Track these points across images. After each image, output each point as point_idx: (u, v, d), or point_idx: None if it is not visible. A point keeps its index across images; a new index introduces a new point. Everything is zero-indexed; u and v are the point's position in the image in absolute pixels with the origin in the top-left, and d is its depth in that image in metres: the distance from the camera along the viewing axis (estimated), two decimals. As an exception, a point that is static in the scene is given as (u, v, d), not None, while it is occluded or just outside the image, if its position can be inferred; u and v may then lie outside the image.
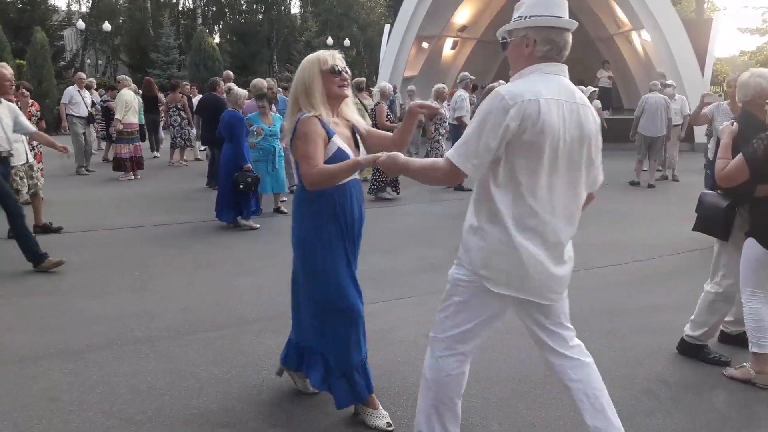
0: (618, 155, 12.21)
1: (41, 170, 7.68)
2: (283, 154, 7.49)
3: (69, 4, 40.76)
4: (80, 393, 3.07)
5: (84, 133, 10.83)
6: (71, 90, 10.71)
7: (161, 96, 12.75)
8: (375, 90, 9.86)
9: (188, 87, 13.17)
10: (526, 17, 2.16)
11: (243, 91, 7.07)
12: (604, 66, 17.82)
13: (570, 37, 2.18)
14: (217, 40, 38.75)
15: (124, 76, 10.87)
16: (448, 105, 10.92)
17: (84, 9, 40.03)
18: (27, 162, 6.35)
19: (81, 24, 30.65)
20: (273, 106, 7.89)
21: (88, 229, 6.81)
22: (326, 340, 2.77)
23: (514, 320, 4.04)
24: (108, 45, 38.85)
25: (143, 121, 11.80)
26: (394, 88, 15.93)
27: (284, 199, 8.04)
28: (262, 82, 7.98)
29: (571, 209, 2.17)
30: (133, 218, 7.41)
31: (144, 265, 5.48)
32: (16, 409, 2.89)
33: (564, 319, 2.32)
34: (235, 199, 6.69)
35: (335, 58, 2.71)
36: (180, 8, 41.74)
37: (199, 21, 39.22)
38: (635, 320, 4.14)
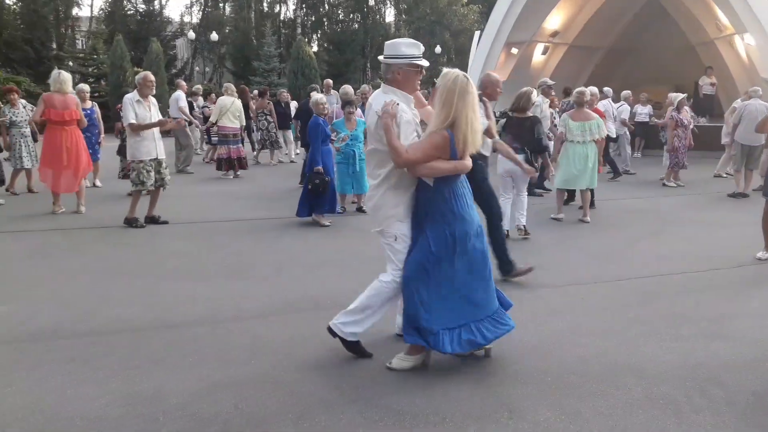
0: (711, 163, 11.75)
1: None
2: (364, 157, 7.86)
3: (182, 16, 43.94)
4: (177, 359, 3.53)
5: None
6: (180, 95, 11.73)
7: (251, 104, 13.64)
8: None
9: (285, 93, 13.98)
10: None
11: (318, 96, 7.54)
12: (706, 72, 16.98)
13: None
14: (315, 48, 40.33)
15: (229, 83, 11.75)
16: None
17: (195, 20, 42.96)
18: (156, 157, 7.05)
19: (191, 34, 32.97)
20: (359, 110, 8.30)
21: (190, 221, 7.49)
22: None
23: (574, 320, 4.20)
24: (215, 54, 41.42)
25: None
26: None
27: (354, 200, 8.51)
28: (349, 90, 8.43)
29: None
30: (232, 212, 8.05)
31: (238, 254, 6.01)
32: (127, 368, 3.39)
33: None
34: (310, 197, 7.15)
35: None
36: (281, 18, 43.80)
37: (299, 30, 40.91)
38: (706, 326, 4.11)
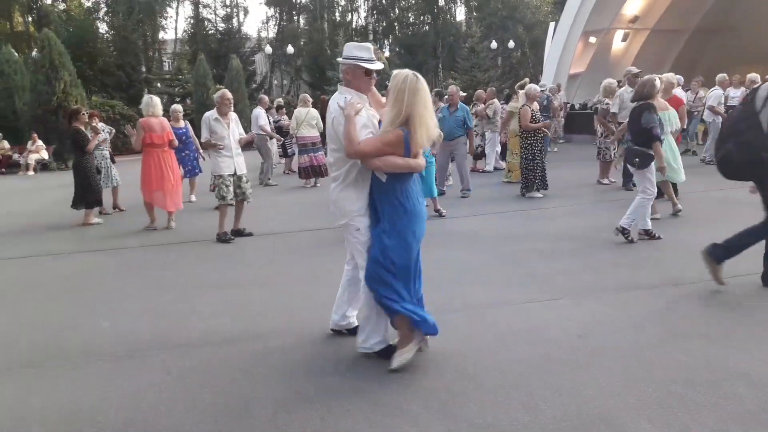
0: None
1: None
2: (432, 160, 7.78)
3: (259, 32, 45.48)
4: (265, 370, 3.58)
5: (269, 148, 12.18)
6: (259, 111, 12.08)
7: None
8: (520, 92, 9.75)
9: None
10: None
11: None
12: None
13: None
14: (387, 53, 40.63)
15: (304, 94, 12.00)
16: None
17: (271, 35, 44.37)
18: (236, 173, 7.25)
19: (268, 49, 34.02)
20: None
21: (273, 232, 7.67)
22: None
23: (674, 322, 3.91)
24: (292, 66, 42.61)
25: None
26: (558, 86, 15.53)
27: (427, 204, 8.35)
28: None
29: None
30: (313, 222, 8.18)
31: (322, 263, 6.06)
32: (217, 381, 3.48)
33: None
34: None
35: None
36: (353, 26, 44.46)
37: (371, 37, 41.34)
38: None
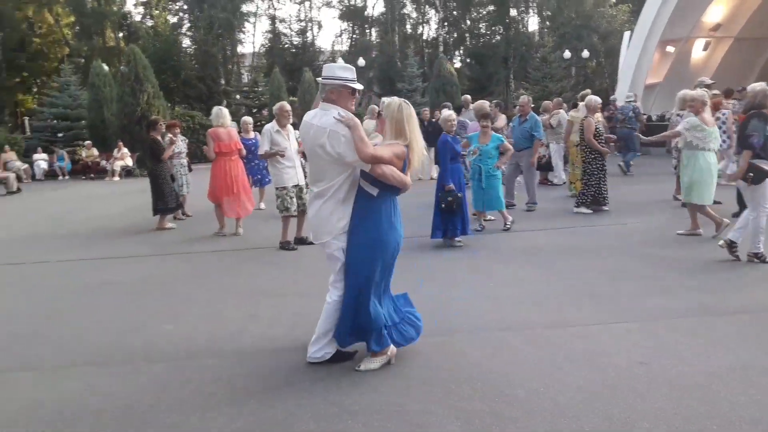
0: None
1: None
2: (496, 173, 7.68)
3: (333, 45, 46.48)
4: (310, 381, 3.61)
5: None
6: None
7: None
8: (581, 104, 9.45)
9: (426, 112, 14.14)
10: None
11: (447, 113, 7.45)
12: None
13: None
14: (458, 65, 40.52)
15: (373, 106, 12.12)
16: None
17: (344, 48, 45.23)
18: (297, 184, 7.44)
19: (340, 62, 34.66)
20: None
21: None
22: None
23: (752, 359, 3.66)
24: (363, 78, 43.25)
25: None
26: (635, 96, 14.97)
27: (491, 218, 8.30)
28: (483, 104, 8.31)
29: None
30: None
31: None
32: (264, 389, 3.54)
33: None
34: (444, 217, 7.04)
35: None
36: (424, 38, 44.65)
37: (441, 48, 41.37)
38: None
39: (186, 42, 40.11)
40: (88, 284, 6.17)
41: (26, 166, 19.28)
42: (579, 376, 3.54)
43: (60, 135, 21.35)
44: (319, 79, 3.71)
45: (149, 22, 42.77)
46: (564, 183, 11.79)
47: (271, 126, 7.37)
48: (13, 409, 3.41)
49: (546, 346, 4.01)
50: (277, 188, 7.42)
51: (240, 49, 43.21)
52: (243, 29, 42.32)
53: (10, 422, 3.26)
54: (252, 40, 68.07)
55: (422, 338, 4.22)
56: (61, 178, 19.71)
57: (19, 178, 18.30)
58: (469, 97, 13.10)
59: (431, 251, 7.04)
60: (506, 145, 7.80)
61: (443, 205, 7.00)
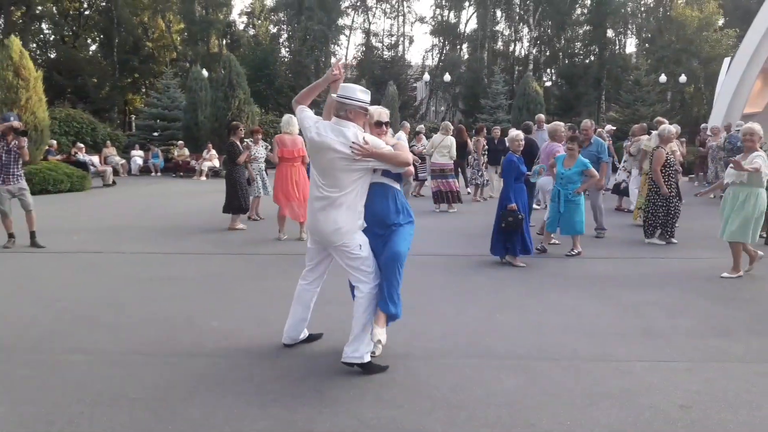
0: None
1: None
2: (575, 198, 7.51)
3: (424, 59, 46.89)
4: (337, 392, 3.66)
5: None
6: (400, 134, 12.44)
7: (469, 142, 13.87)
8: (654, 133, 9.00)
9: (497, 130, 14.03)
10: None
11: (514, 132, 7.37)
12: None
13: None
14: (548, 84, 39.73)
15: (446, 122, 12.16)
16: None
17: (434, 62, 45.48)
18: None
19: (426, 77, 34.92)
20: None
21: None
22: None
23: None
24: (450, 93, 43.29)
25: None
26: (728, 126, 14.10)
27: (556, 242, 8.13)
28: (558, 126, 8.17)
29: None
30: (428, 247, 8.19)
31: (422, 290, 6.06)
32: (291, 394, 3.62)
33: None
34: (503, 236, 6.93)
35: (381, 114, 4.15)
36: (515, 56, 44.13)
37: (530, 67, 40.73)
38: None
39: (282, 52, 41.89)
40: (153, 277, 6.53)
41: (123, 161, 20.68)
42: (611, 414, 3.38)
43: (156, 134, 22.75)
44: (335, 95, 3.93)
45: (251, 31, 44.96)
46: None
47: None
48: (58, 389, 3.66)
49: (584, 380, 3.85)
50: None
51: (333, 60, 44.54)
52: (337, 42, 43.57)
53: (52, 402, 3.48)
54: (345, 52, 69.92)
55: (456, 359, 4.20)
56: (153, 174, 20.99)
57: (116, 172, 19.71)
58: (542, 116, 12.84)
59: (486, 269, 6.94)
60: (591, 170, 7.62)
61: (503, 225, 6.92)
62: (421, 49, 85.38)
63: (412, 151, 12.91)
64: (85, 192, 15.26)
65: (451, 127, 11.81)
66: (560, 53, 42.65)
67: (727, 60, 19.57)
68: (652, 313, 5.31)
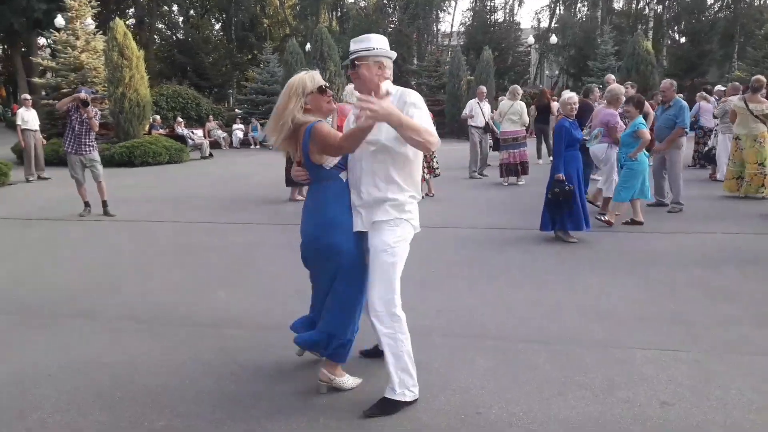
0: None
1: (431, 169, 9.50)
2: (628, 162, 6.94)
3: (538, 21, 44.68)
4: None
5: (480, 141, 11.94)
6: (471, 102, 11.94)
7: (554, 105, 12.91)
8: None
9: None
10: (376, 48, 2.99)
11: (568, 95, 6.71)
12: None
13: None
14: (669, 42, 36.39)
15: (515, 86, 11.41)
16: None
17: (545, 25, 43.23)
18: None
19: (531, 39, 33.25)
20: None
21: (436, 226, 7.52)
22: None
23: None
24: (562, 57, 40.93)
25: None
26: None
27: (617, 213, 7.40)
28: (617, 88, 7.41)
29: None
30: (480, 220, 7.86)
31: (446, 263, 5.82)
32: (284, 366, 3.64)
33: None
34: (552, 209, 6.44)
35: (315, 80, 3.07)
36: (636, 13, 40.71)
37: (650, 24, 37.42)
38: None
39: (386, 23, 41.64)
40: (189, 245, 6.84)
41: (225, 134, 21.78)
42: (576, 406, 3.06)
43: (260, 108, 23.68)
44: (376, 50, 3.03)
45: (362, 3, 45.02)
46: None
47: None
48: (50, 351, 3.91)
49: (568, 367, 3.51)
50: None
51: (439, 27, 43.68)
52: (444, 8, 42.49)
53: (30, 363, 3.73)
54: (451, 19, 68.34)
55: (439, 338, 4.00)
56: (253, 147, 21.92)
57: (218, 145, 20.84)
58: (611, 76, 11.60)
59: (526, 244, 6.53)
60: (641, 132, 6.92)
61: (549, 196, 6.45)
62: (531, 11, 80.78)
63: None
64: (182, 164, 16.26)
65: (520, 91, 11.04)
66: (688, 9, 38.65)
67: None
68: (690, 295, 4.74)
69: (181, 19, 47.16)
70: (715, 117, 9.73)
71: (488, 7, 42.14)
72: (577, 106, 6.67)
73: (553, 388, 3.26)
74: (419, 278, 5.29)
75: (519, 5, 51.09)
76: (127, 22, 41.13)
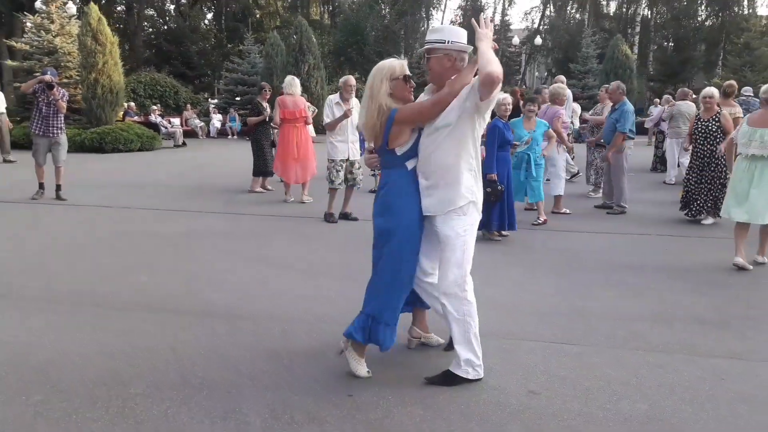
0: None
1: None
2: (541, 162, 7.22)
3: (531, 21, 44.81)
4: (233, 350, 3.69)
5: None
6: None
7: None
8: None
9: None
10: (448, 41, 3.05)
11: (503, 95, 6.77)
12: None
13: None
14: (655, 47, 36.63)
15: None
16: None
17: (534, 26, 43.37)
18: (348, 158, 7.47)
19: (516, 40, 33.41)
20: None
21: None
22: None
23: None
24: (551, 58, 41.09)
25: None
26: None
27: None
28: (560, 88, 7.56)
29: None
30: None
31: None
32: (189, 349, 3.71)
33: None
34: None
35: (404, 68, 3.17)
36: (626, 17, 40.88)
37: (637, 29, 37.66)
38: None
39: (376, 18, 41.58)
40: (130, 231, 6.90)
41: (203, 124, 21.80)
42: (446, 393, 3.14)
43: (237, 99, 23.69)
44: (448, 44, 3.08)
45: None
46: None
47: (333, 97, 7.47)
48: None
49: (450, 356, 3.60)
50: (328, 160, 7.53)
51: (426, 24, 43.63)
52: (434, 5, 42.40)
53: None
54: (441, 16, 68.32)
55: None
56: (230, 137, 21.93)
57: (195, 134, 20.85)
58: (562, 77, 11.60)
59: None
60: (550, 132, 7.37)
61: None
62: (520, 12, 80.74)
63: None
64: (153, 152, 16.28)
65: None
66: (676, 15, 38.88)
67: None
68: (602, 293, 4.87)
69: (172, 7, 46.94)
70: (663, 120, 9.89)
71: (478, 5, 42.26)
72: (510, 107, 6.74)
73: (430, 373, 3.35)
74: (339, 273, 5.41)
75: (509, 5, 51.05)
76: (117, 9, 41.40)
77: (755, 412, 2.97)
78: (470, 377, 3.19)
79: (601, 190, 8.84)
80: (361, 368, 3.30)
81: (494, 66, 2.77)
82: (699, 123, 7.32)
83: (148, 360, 3.49)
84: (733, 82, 9.01)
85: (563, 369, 3.44)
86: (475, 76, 2.99)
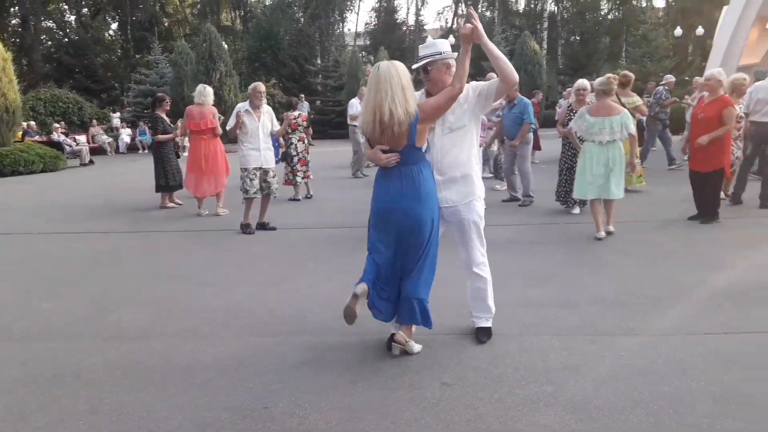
0: None
1: (306, 172, 9.49)
2: None
3: (445, 21, 45.66)
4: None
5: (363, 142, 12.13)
6: (353, 102, 12.12)
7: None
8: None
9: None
10: (443, 53, 3.53)
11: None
12: None
13: None
14: (563, 42, 38.22)
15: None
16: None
17: (448, 25, 44.16)
18: (261, 166, 7.33)
19: (429, 40, 33.91)
20: None
21: (299, 227, 7.60)
22: None
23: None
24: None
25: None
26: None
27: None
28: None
29: None
30: (346, 220, 7.97)
31: (329, 260, 5.87)
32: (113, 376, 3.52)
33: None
34: None
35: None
36: (535, 13, 42.34)
37: (545, 25, 39.23)
38: None
39: (289, 21, 41.17)
40: (27, 256, 6.53)
41: (110, 139, 20.87)
42: (364, 392, 3.17)
43: (147, 111, 22.81)
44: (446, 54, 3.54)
45: (268, 1, 43.93)
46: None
47: (242, 105, 7.32)
48: None
49: (369, 358, 3.64)
50: (240, 169, 7.37)
51: (343, 28, 43.69)
52: (348, 8, 42.45)
53: None
54: (356, 18, 68.62)
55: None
56: (141, 151, 21.12)
57: (104, 151, 19.93)
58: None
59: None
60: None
61: None
62: (433, 12, 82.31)
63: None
64: (58, 172, 15.44)
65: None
66: (582, 9, 40.78)
67: (725, 9, 18.35)
68: (510, 282, 5.00)
69: (72, 18, 44.62)
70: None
71: (390, 7, 42.75)
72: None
73: (346, 376, 3.37)
74: (257, 283, 5.34)
75: (422, 5, 52.13)
76: (12, 22, 38.85)
77: (649, 383, 3.17)
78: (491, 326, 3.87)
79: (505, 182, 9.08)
80: (418, 345, 3.65)
81: (514, 72, 3.43)
82: (570, 115, 7.58)
83: (52, 390, 3.31)
84: (627, 72, 9.52)
85: (474, 359, 3.55)
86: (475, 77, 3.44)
